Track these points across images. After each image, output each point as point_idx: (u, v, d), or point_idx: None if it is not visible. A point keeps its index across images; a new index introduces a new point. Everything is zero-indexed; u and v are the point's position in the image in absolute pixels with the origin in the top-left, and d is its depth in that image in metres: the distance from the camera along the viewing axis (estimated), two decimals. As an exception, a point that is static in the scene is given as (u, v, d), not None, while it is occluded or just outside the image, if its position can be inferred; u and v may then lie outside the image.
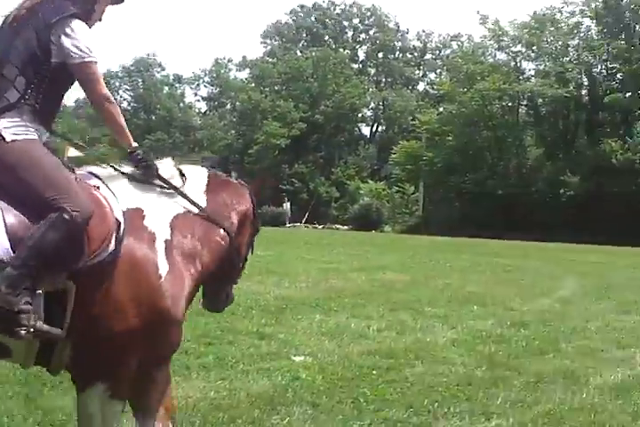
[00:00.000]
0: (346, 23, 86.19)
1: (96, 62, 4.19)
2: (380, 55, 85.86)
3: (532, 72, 67.08)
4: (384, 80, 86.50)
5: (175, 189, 4.46)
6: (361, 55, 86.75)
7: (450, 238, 38.96)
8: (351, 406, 6.63)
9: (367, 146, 79.96)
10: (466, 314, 12.17)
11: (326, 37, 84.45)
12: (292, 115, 71.97)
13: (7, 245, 3.70)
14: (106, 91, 4.25)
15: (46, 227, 3.73)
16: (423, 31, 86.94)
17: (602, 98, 61.31)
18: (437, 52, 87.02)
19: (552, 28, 64.40)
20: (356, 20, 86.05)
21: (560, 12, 65.88)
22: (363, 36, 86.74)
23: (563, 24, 65.59)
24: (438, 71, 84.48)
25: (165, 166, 4.59)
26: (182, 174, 4.61)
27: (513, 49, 65.93)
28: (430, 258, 24.02)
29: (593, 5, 65.00)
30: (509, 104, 65.07)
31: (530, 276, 19.63)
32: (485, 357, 8.88)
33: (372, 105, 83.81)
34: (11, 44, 4.12)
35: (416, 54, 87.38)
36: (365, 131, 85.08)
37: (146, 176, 4.41)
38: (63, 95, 4.38)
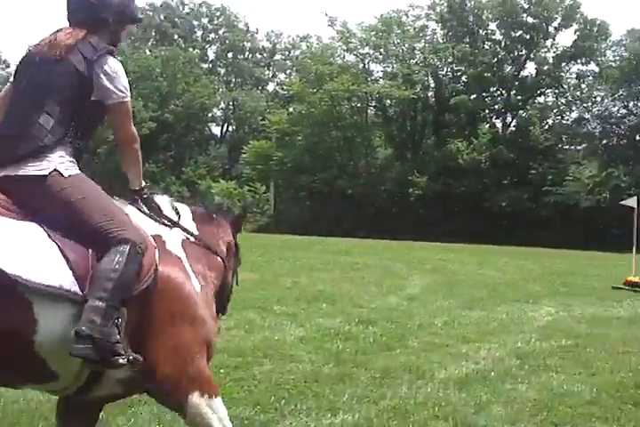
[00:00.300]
0: (195, 22, 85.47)
1: (130, 101, 4.39)
2: (230, 55, 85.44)
3: (380, 74, 68.23)
4: (234, 80, 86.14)
5: (176, 224, 4.62)
6: (210, 55, 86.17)
7: (300, 237, 39.13)
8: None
9: (218, 145, 79.61)
10: (314, 312, 12.23)
11: (175, 36, 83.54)
12: (142, 114, 70.92)
13: (72, 277, 3.75)
14: (135, 130, 4.40)
15: (125, 259, 3.86)
16: (272, 32, 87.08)
17: (448, 100, 62.75)
18: (287, 52, 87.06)
19: (399, 31, 65.61)
20: (205, 20, 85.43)
21: (406, 15, 67.38)
22: (212, 35, 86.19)
23: (409, 27, 66.96)
24: (288, 72, 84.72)
25: (162, 202, 4.74)
26: (177, 211, 4.77)
27: (361, 51, 66.73)
28: (280, 257, 24.05)
29: (438, 9, 66.61)
30: (358, 105, 65.77)
31: (378, 273, 19.88)
32: (333, 354, 8.94)
33: (223, 105, 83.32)
34: (50, 81, 4.17)
35: (265, 55, 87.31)
36: (216, 130, 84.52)
37: (150, 212, 4.56)
38: (92, 132, 4.50)
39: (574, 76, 68.27)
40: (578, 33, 66.05)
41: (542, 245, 43.10)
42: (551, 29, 66.23)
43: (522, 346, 10.16)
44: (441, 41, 66.82)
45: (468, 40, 65.82)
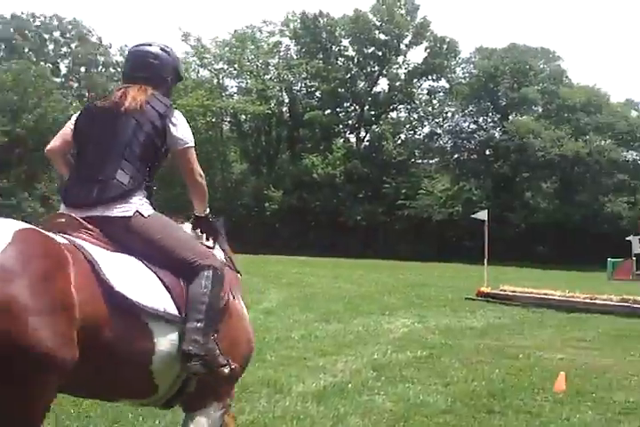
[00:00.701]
0: (46, 36, 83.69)
1: (194, 146, 4.96)
2: (83, 69, 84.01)
3: (235, 89, 68.25)
4: (87, 94, 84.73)
5: (224, 250, 5.25)
6: (63, 69, 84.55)
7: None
8: (53, 425, 6.41)
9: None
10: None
11: (26, 50, 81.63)
12: (-8, 128, 69.13)
13: (172, 302, 4.30)
14: (199, 168, 4.98)
15: (211, 282, 4.46)
16: (126, 46, 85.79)
17: (302, 115, 63.39)
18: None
19: (253, 47, 65.71)
20: (57, 33, 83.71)
21: (260, 31, 67.50)
22: (65, 49, 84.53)
23: (263, 43, 67.10)
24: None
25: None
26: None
27: (215, 66, 66.69)
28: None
29: (292, 26, 67.06)
30: (213, 120, 65.64)
31: (235, 288, 19.79)
32: (189, 371, 8.84)
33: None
34: (128, 131, 4.71)
35: (119, 69, 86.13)
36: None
37: (211, 237, 5.15)
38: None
39: (426, 92, 69.90)
40: (428, 50, 67.79)
41: (397, 258, 43.85)
42: (402, 46, 67.68)
43: (378, 358, 10.24)
44: (295, 57, 67.41)
45: (321, 56, 66.67)
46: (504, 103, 65.57)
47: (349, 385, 8.44)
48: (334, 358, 10.03)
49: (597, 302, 17.86)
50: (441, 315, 15.91)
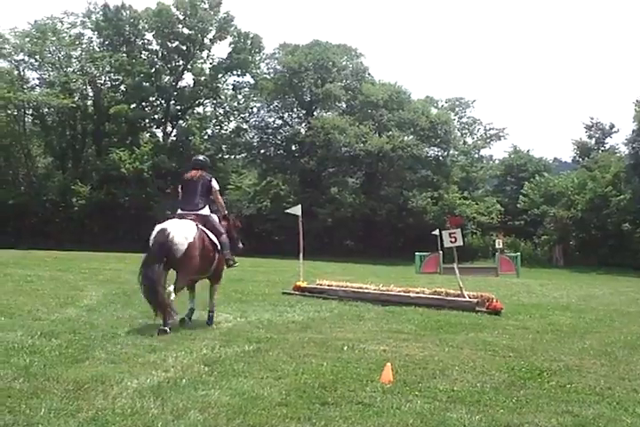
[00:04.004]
0: None
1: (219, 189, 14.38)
2: None
3: (37, 81, 66.26)
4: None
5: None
6: None
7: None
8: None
9: None
10: (-6, 326, 11.72)
11: None
12: None
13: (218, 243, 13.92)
14: (220, 197, 14.59)
15: (227, 238, 14.02)
16: None
17: (107, 109, 62.41)
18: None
19: (54, 38, 63.76)
20: None
21: (61, 22, 65.72)
22: None
23: (64, 34, 65.35)
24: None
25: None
26: None
27: (15, 57, 64.29)
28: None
29: (94, 17, 65.89)
30: (15, 113, 63.60)
31: (53, 285, 19.35)
32: (21, 368, 8.64)
33: None
34: (199, 186, 13.54)
35: None
36: None
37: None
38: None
39: (231, 87, 70.29)
40: (233, 45, 68.26)
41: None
42: (207, 41, 67.82)
43: (207, 353, 10.26)
44: (98, 49, 66.27)
45: (125, 49, 66.11)
46: (309, 99, 66.70)
47: (184, 380, 8.47)
48: (164, 354, 10.01)
49: (411, 295, 18.39)
50: (261, 310, 16.04)
